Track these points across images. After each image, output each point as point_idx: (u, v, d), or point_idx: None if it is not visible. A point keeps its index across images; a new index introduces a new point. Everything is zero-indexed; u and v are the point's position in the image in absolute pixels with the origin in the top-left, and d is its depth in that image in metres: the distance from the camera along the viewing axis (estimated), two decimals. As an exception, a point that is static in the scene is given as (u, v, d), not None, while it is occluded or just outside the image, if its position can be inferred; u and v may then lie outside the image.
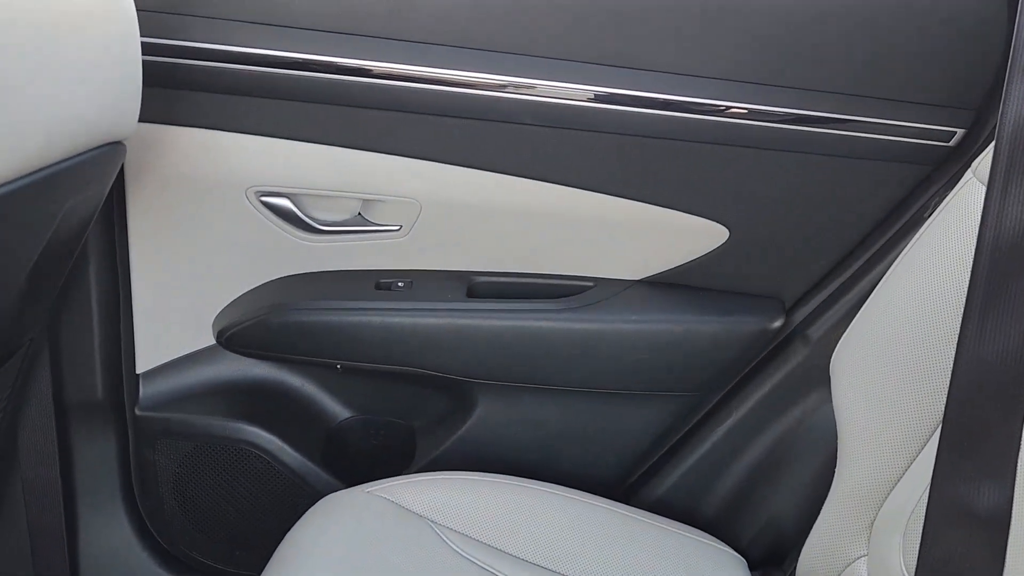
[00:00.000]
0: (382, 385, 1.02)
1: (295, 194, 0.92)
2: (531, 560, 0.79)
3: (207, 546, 1.05)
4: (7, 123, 0.53)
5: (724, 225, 0.91)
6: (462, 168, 0.89)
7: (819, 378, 0.89)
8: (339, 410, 1.03)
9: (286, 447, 1.00)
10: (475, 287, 0.96)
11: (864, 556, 0.71)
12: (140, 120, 0.76)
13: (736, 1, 0.83)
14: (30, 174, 0.56)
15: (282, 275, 0.97)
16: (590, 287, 0.96)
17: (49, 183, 0.59)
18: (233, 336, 0.95)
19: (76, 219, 0.71)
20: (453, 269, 0.97)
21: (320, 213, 0.94)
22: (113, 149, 0.70)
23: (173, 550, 1.05)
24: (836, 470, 0.74)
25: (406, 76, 0.84)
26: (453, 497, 0.82)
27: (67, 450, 0.99)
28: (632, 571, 0.79)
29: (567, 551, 0.80)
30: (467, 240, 0.95)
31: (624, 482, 1.02)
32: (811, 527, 0.76)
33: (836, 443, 0.74)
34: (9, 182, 0.54)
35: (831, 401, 0.75)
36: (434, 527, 0.79)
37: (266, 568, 0.76)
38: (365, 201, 0.94)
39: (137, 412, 0.98)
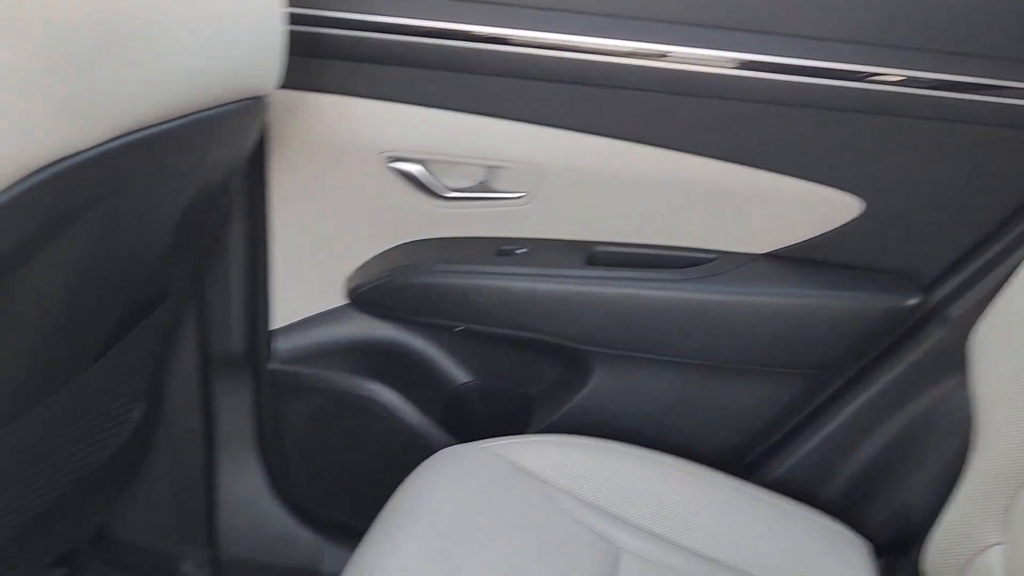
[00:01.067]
0: (500, 351, 1.04)
1: (424, 160, 0.95)
2: (643, 526, 0.78)
3: (327, 497, 1.10)
4: (159, 66, 0.57)
5: (859, 197, 0.87)
6: (590, 135, 0.89)
7: (956, 361, 0.84)
8: (458, 374, 1.06)
9: (407, 406, 1.04)
10: (595, 256, 0.97)
11: (999, 543, 0.67)
12: (283, 87, 0.80)
13: (879, -40, 0.79)
14: (179, 118, 0.60)
15: (409, 239, 1.00)
16: (713, 260, 0.94)
17: (196, 129, 0.63)
18: (361, 296, 0.99)
19: (220, 172, 0.75)
20: (574, 238, 0.98)
21: (447, 179, 0.97)
22: (256, 104, 0.74)
23: (298, 500, 1.11)
24: (971, 455, 0.70)
25: (540, 44, 0.85)
26: (567, 458, 0.83)
27: (208, 400, 1.06)
28: (749, 546, 0.77)
29: (681, 521, 0.79)
30: (590, 209, 0.95)
31: (742, 460, 1.00)
32: (941, 514, 0.73)
33: (970, 428, 0.70)
34: (159, 124, 0.58)
35: (967, 385, 0.71)
36: (547, 486, 0.80)
37: (378, 518, 0.78)
38: (491, 168, 0.95)
39: (270, 367, 1.04)
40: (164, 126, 0.59)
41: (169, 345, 0.97)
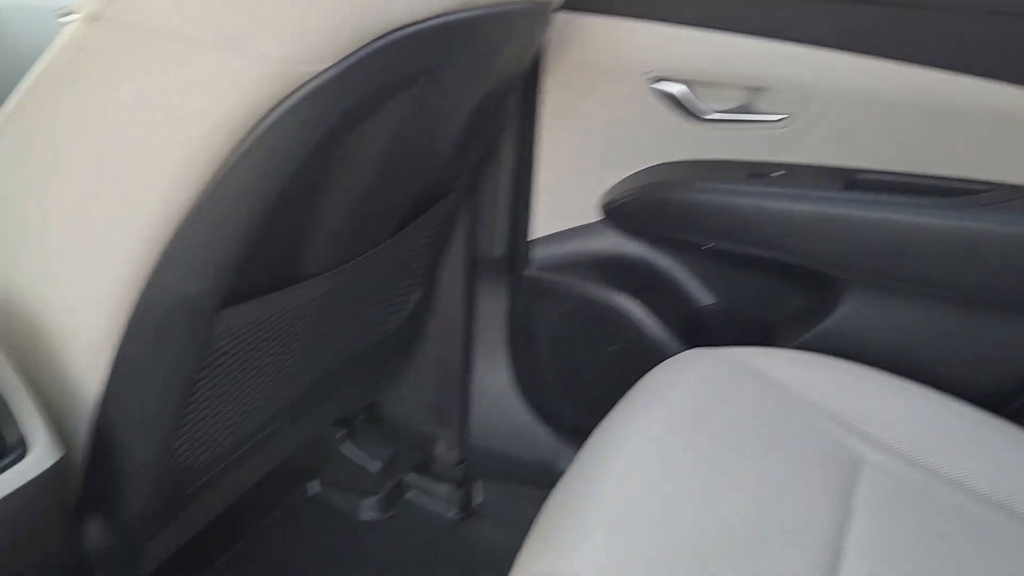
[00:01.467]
0: (746, 276, 1.06)
1: (689, 81, 0.98)
2: (888, 443, 0.78)
3: (567, 398, 1.18)
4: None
5: None
6: (858, 55, 0.88)
7: None
8: (703, 295, 1.09)
9: (650, 319, 1.09)
10: (855, 183, 0.95)
11: None
12: (559, 9, 0.86)
13: None
14: (484, 7, 0.68)
15: (667, 160, 1.04)
16: (989, 190, 0.90)
17: (496, 22, 0.71)
18: (616, 210, 1.05)
19: (507, 74, 0.84)
20: (835, 164, 0.97)
21: (709, 102, 0.99)
22: (542, 10, 0.81)
23: (540, 399, 1.20)
24: None
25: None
26: (811, 370, 0.83)
27: (470, 298, 1.17)
28: (1006, 481, 0.74)
29: (930, 442, 0.77)
30: (853, 133, 0.94)
31: (1006, 406, 0.95)
32: None
33: None
34: (469, 9, 0.66)
35: None
36: (786, 392, 0.81)
37: (611, 414, 0.81)
38: (754, 90, 0.97)
39: (526, 273, 1.13)
40: (473, 12, 0.67)
41: (444, 241, 1.09)
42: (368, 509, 1.20)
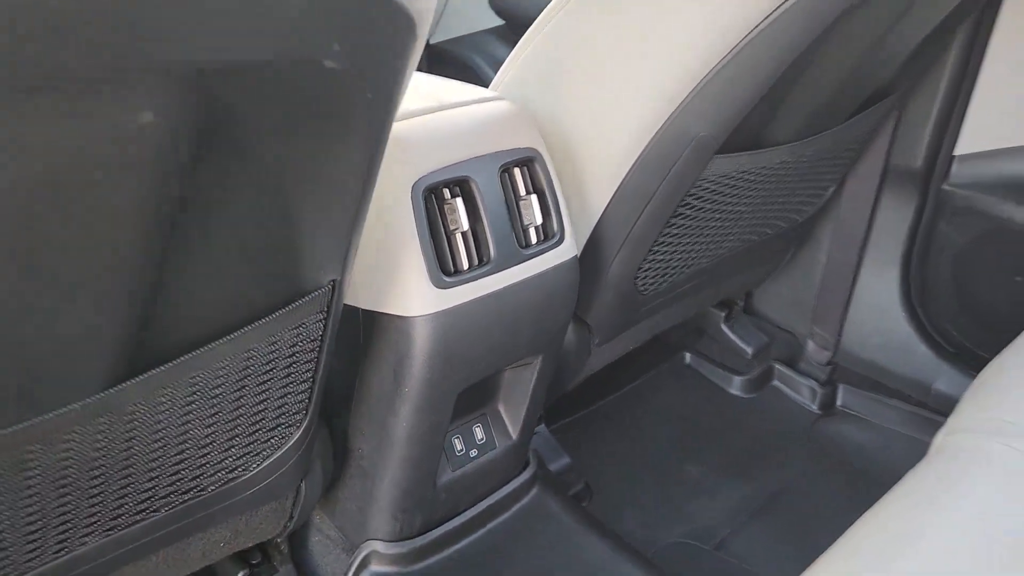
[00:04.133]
0: None
1: None
2: None
3: (953, 319, 1.19)
4: None
5: None
6: None
7: None
8: None
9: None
10: None
11: None
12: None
13: None
14: None
15: None
16: None
17: None
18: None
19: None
20: None
21: None
22: None
23: (925, 317, 1.22)
24: None
25: None
26: None
27: (875, 205, 1.20)
28: None
29: None
30: None
31: None
32: None
33: None
34: None
35: None
36: None
37: (1008, 346, 0.84)
38: None
39: (944, 186, 1.15)
40: None
41: (866, 144, 1.14)
42: (737, 386, 1.31)
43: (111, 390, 0.50)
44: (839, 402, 1.30)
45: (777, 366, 1.32)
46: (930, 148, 1.14)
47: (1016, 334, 0.87)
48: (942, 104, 1.12)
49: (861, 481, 1.15)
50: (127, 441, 0.54)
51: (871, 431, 1.26)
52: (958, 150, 1.13)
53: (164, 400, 0.54)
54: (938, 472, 0.68)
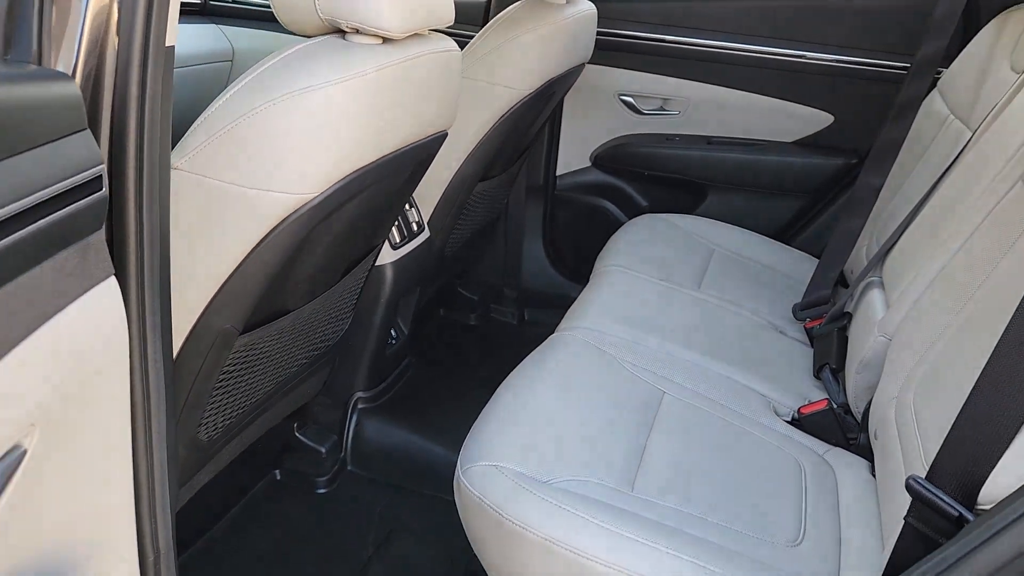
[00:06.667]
0: (662, 187, 2.21)
1: (635, 95, 2.11)
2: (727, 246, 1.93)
3: (573, 257, 2.27)
4: None
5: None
6: (711, 86, 2.06)
7: None
8: (641, 199, 2.23)
9: (617, 210, 2.21)
10: (710, 141, 2.12)
11: None
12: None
13: None
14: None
15: (625, 133, 2.16)
16: (762, 143, 2.08)
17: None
18: (598, 159, 2.17)
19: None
20: (700, 134, 2.15)
21: (643, 104, 2.13)
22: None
23: (561, 264, 2.28)
24: None
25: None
26: (716, 227, 1.98)
27: (525, 206, 2.24)
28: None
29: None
30: (708, 121, 2.10)
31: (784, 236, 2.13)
32: None
33: None
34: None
35: None
36: (702, 242, 1.94)
37: (599, 256, 1.96)
38: (664, 99, 2.11)
39: (555, 192, 2.23)
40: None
41: (519, 172, 2.17)
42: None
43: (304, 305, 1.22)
44: (527, 317, 2.32)
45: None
46: (545, 172, 2.22)
47: (594, 260, 1.92)
48: (546, 156, 2.19)
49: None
50: (308, 326, 1.25)
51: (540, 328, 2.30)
52: (558, 172, 2.22)
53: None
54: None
